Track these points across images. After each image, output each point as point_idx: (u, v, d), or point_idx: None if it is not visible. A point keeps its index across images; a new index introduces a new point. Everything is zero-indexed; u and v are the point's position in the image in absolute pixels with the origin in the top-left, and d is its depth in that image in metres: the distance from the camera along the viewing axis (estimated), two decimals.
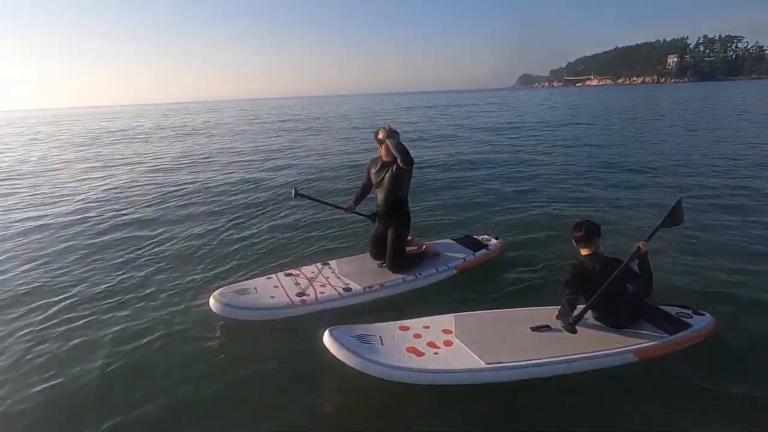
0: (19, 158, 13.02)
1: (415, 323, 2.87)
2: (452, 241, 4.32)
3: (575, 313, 2.67)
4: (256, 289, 3.35)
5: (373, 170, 3.70)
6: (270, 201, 6.85)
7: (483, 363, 2.45)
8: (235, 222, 5.76)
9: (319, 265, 3.79)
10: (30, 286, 3.98)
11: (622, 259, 2.65)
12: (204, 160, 11.32)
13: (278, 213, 6.12)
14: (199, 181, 8.50)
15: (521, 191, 7.13)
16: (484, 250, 4.09)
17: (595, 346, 2.60)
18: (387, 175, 3.56)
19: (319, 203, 4.02)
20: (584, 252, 2.77)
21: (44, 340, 3.09)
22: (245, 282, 3.50)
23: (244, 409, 2.41)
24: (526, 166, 9.31)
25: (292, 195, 3.88)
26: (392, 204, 3.63)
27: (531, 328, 2.77)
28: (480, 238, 4.37)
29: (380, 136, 3.52)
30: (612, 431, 2.23)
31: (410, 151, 3.48)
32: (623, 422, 2.28)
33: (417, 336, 2.73)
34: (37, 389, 2.59)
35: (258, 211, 6.29)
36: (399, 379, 2.40)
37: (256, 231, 5.31)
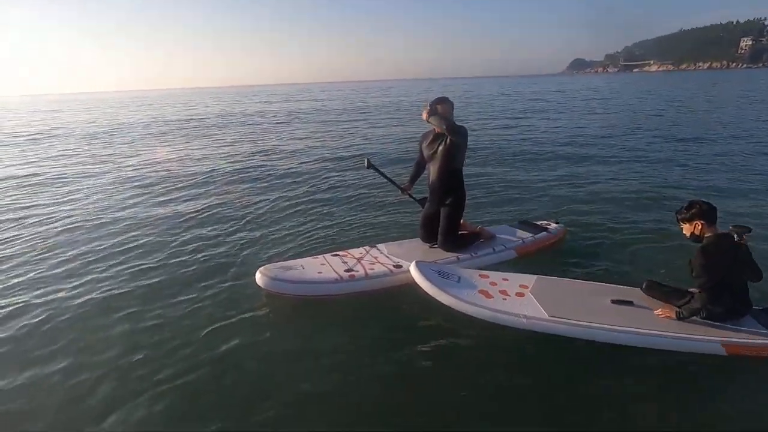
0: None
1: (496, 275, 3.02)
2: (509, 227, 4.01)
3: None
4: (302, 266, 3.23)
5: (424, 144, 3.47)
6: (321, 183, 6.80)
7: (546, 315, 2.51)
8: (281, 203, 5.72)
9: (366, 247, 3.62)
10: (75, 251, 4.17)
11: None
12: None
13: (327, 196, 6.02)
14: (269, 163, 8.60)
15: (581, 178, 6.62)
16: (545, 233, 3.76)
17: (679, 328, 2.39)
18: (440, 147, 3.33)
19: (386, 179, 3.86)
20: (708, 232, 2.41)
21: (92, 304, 3.16)
22: (291, 261, 3.40)
23: (282, 380, 2.34)
24: (586, 153, 8.69)
25: (365, 165, 3.77)
26: (446, 178, 3.38)
27: (612, 300, 2.65)
28: (539, 222, 4.05)
29: (423, 117, 3.30)
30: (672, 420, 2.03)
31: (462, 126, 3.26)
32: (689, 413, 2.08)
33: (493, 284, 2.88)
34: (77, 353, 2.62)
35: (307, 192, 6.24)
36: (463, 310, 2.61)
37: (304, 213, 5.23)
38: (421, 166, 3.64)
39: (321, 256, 3.47)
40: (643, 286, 2.76)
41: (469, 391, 2.22)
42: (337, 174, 7.42)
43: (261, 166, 8.41)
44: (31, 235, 4.76)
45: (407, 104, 26.04)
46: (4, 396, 2.29)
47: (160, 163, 9.25)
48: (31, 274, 3.71)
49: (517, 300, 2.68)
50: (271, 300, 3.05)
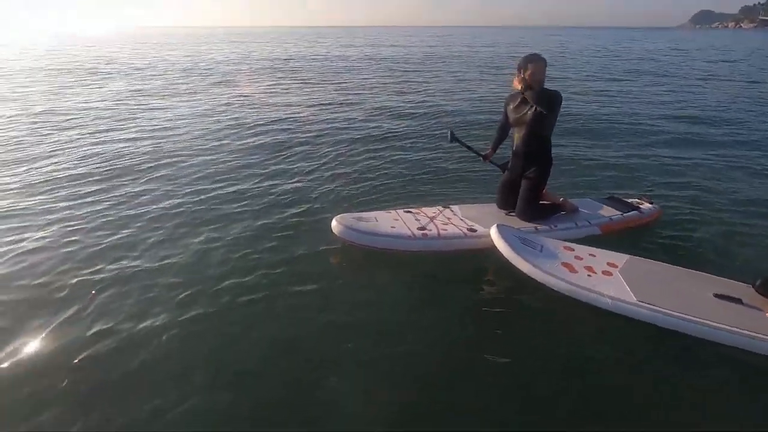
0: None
1: (582, 248, 2.86)
2: (594, 201, 3.75)
3: None
4: (376, 219, 3.31)
5: (511, 106, 3.26)
6: (404, 135, 6.76)
7: (635, 298, 2.34)
8: (357, 151, 5.82)
9: (440, 207, 3.60)
10: (168, 174, 4.77)
11: None
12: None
13: (406, 150, 6.00)
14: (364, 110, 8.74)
15: (686, 157, 5.86)
16: (635, 212, 3.47)
17: None
18: (528, 112, 3.11)
19: (470, 150, 3.66)
20: None
21: (177, 224, 3.55)
22: (365, 213, 3.49)
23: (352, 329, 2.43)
24: (697, 129, 7.63)
25: (448, 139, 3.62)
26: (533, 145, 3.19)
27: (715, 294, 2.40)
28: (630, 200, 3.73)
29: (517, 85, 3.07)
30: None
31: (555, 95, 3.01)
32: None
33: (578, 258, 2.73)
34: (161, 256, 3.06)
35: (388, 143, 6.26)
36: (543, 281, 2.53)
37: (379, 165, 5.28)
38: (504, 130, 3.45)
39: (394, 210, 3.52)
40: (757, 284, 2.44)
41: (533, 368, 2.17)
42: (412, 127, 7.31)
43: (340, 110, 8.50)
44: (135, 157, 5.45)
45: (493, 56, 24.35)
46: (106, 281, 2.79)
47: (249, 99, 9.76)
48: (133, 191, 4.35)
49: (603, 278, 2.53)
50: (343, 247, 3.19)
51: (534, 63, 3.01)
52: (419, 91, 11.27)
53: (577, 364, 2.20)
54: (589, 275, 2.55)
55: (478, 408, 1.94)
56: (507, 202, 3.44)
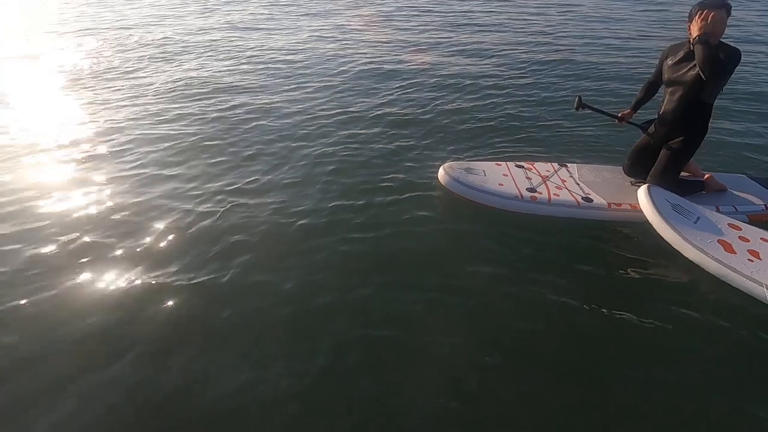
0: None
1: (755, 230, 2.52)
2: (749, 179, 3.17)
3: None
4: (484, 172, 3.22)
5: (669, 61, 2.74)
6: (529, 77, 6.24)
7: None
8: (481, 96, 5.49)
9: (555, 165, 3.36)
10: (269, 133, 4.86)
11: None
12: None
13: (529, 96, 5.51)
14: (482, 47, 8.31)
15: None
16: None
17: None
18: (690, 72, 2.57)
19: (602, 114, 3.15)
20: None
21: (276, 164, 3.73)
22: (474, 162, 3.40)
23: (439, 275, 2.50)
24: None
25: (575, 107, 3.07)
26: (688, 111, 2.68)
27: None
28: None
29: (694, 32, 2.49)
30: None
31: (730, 57, 2.44)
32: None
33: (743, 239, 2.42)
34: (250, 206, 3.20)
35: (509, 89, 5.80)
36: (689, 255, 2.32)
37: (497, 111, 4.97)
38: (654, 87, 2.97)
39: (505, 163, 3.38)
40: None
41: (643, 366, 1.96)
42: (538, 74, 6.60)
43: (463, 51, 8.01)
44: (258, 81, 5.85)
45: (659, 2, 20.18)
46: (213, 200, 3.19)
47: (371, 33, 9.65)
48: (250, 113, 4.80)
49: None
50: (447, 195, 3.17)
51: (715, 10, 2.42)
52: (555, 35, 10.00)
53: (701, 366, 1.96)
54: (750, 260, 2.26)
55: (549, 384, 1.91)
56: (636, 170, 3.06)
